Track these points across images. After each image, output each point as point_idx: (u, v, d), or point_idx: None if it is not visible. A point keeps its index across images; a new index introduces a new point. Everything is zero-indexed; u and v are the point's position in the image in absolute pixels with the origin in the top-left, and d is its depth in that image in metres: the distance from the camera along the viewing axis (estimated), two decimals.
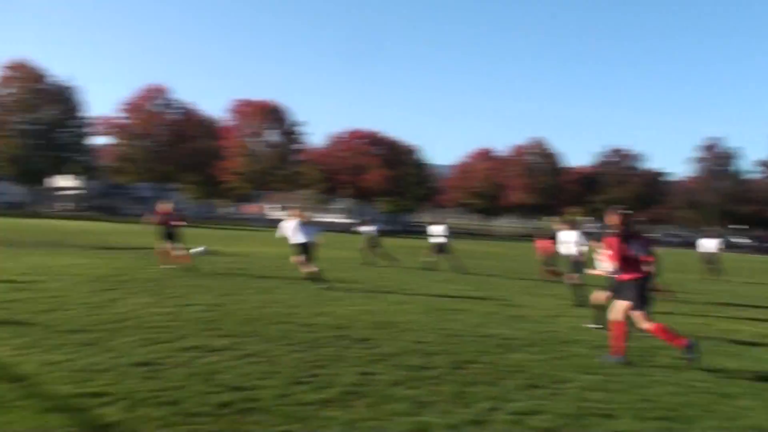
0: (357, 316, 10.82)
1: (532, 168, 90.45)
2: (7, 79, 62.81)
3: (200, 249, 20.43)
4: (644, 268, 8.26)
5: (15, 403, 5.34)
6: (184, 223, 18.21)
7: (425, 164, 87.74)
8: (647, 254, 8.34)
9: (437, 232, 22.37)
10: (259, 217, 73.30)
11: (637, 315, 8.09)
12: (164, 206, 17.86)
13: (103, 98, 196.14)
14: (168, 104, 69.81)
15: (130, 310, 10.10)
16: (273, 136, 71.54)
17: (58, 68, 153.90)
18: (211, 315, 10.12)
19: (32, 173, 62.97)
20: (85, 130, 67.29)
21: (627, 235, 8.22)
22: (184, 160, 67.97)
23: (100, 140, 71.84)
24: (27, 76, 62.43)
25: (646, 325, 8.05)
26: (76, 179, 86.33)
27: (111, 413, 5.25)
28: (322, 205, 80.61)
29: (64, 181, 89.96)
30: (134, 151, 67.42)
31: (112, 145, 69.43)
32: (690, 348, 8.01)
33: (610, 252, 8.28)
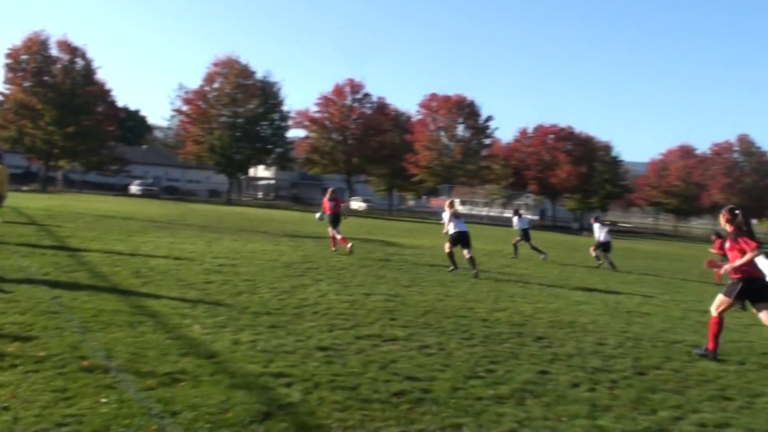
0: (535, 314, 10.67)
1: (736, 167, 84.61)
2: (214, 75, 67.27)
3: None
4: None
5: (206, 378, 5.74)
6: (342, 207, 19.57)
7: (617, 161, 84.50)
8: None
9: (600, 230, 21.71)
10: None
11: None
12: (331, 193, 19.04)
13: (299, 93, 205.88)
14: (361, 98, 71.85)
15: (315, 297, 10.53)
16: (461, 130, 71.76)
17: (258, 63, 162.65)
18: (390, 305, 10.33)
19: (234, 164, 67.08)
20: (283, 123, 70.72)
21: None
22: (374, 153, 69.75)
23: (295, 133, 75.17)
24: (233, 71, 66.58)
25: None
26: (269, 170, 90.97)
27: (292, 394, 5.51)
28: (509, 201, 79.87)
29: (259, 172, 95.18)
30: (326, 144, 70.02)
31: (306, 138, 72.37)
32: None
33: None
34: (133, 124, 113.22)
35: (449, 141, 70.92)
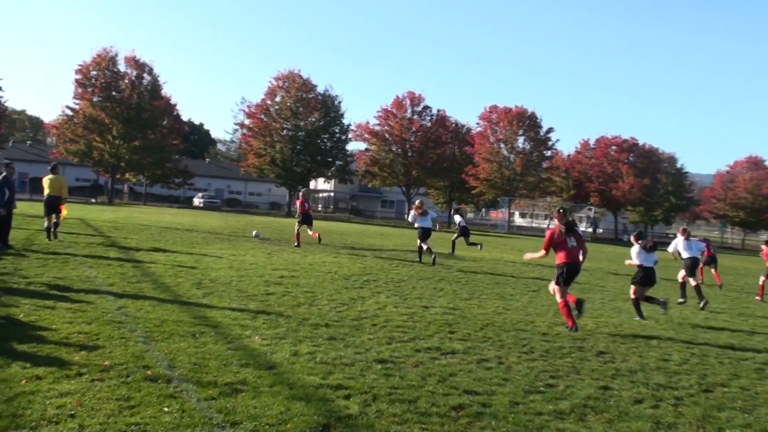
0: (597, 328, 10.50)
1: None
2: (276, 89, 68.21)
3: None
4: None
5: (266, 388, 5.79)
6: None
7: (682, 173, 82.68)
8: None
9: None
10: (504, 224, 73.15)
11: None
12: (303, 195, 22.66)
13: (359, 106, 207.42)
14: (421, 111, 71.94)
15: (374, 309, 10.55)
16: (522, 142, 71.23)
17: (319, 77, 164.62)
18: (449, 318, 10.29)
19: (294, 176, 67.79)
20: (343, 136, 71.25)
21: None
22: (433, 166, 69.74)
23: (355, 145, 75.55)
24: (294, 85, 67.45)
25: None
26: (329, 182, 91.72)
27: (350, 406, 5.52)
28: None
29: (319, 184, 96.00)
30: (386, 156, 70.26)
31: (366, 150, 72.73)
32: None
33: None
34: (196, 138, 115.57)
35: (509, 153, 70.37)
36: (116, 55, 62.17)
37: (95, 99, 60.83)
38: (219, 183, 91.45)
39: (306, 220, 22.20)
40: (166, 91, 65.77)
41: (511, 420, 5.52)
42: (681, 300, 15.30)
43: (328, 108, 68.83)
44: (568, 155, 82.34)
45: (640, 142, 79.44)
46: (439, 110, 73.17)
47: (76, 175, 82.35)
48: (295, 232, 22.17)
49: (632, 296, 12.13)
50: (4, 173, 16.08)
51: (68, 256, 14.14)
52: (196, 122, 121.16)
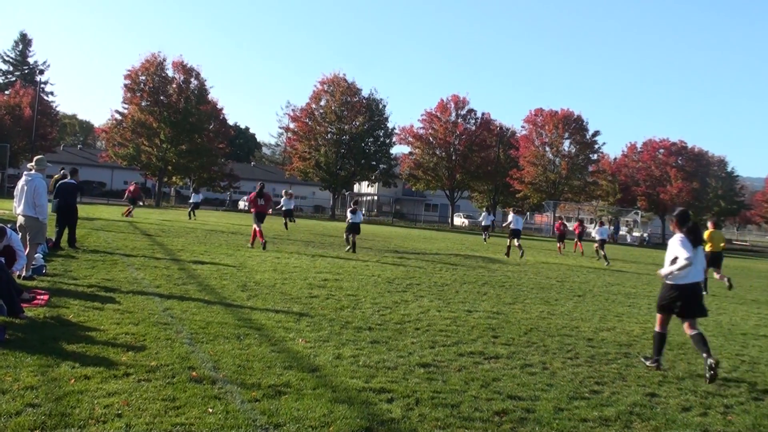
0: (643, 334, 10.34)
1: None
2: (321, 93, 68.63)
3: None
4: None
5: (309, 391, 5.81)
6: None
7: (733, 176, 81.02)
8: None
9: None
10: (549, 228, 72.40)
11: None
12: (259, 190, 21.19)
13: (404, 109, 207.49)
14: (465, 114, 71.68)
15: (417, 313, 10.54)
16: (567, 145, 70.48)
17: (364, 81, 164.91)
18: (492, 322, 10.23)
19: (338, 180, 68.10)
20: (387, 139, 71.35)
21: None
22: (477, 169, 69.43)
23: (399, 149, 75.54)
24: (339, 89, 67.78)
25: None
26: (372, 186, 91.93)
27: (393, 410, 5.51)
28: (616, 217, 77.77)
29: (363, 188, 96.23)
30: (430, 160, 70.14)
31: (410, 154, 72.68)
32: None
33: None
34: (242, 141, 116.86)
35: (555, 156, 69.70)
36: (164, 60, 63.14)
37: (143, 103, 61.81)
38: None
39: (260, 218, 20.78)
40: (212, 95, 66.69)
41: (555, 426, 5.46)
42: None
43: (373, 111, 69.00)
44: (615, 158, 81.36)
45: (689, 145, 78.09)
46: (483, 113, 72.76)
47: (124, 178, 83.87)
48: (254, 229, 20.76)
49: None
50: (61, 179, 16.58)
51: (116, 258, 14.39)
52: (242, 126, 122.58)
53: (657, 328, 8.11)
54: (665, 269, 8.03)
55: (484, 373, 6.98)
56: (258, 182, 22.51)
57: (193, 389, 5.57)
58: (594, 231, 25.22)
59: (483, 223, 28.39)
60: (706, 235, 18.47)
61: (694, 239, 8.00)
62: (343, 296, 11.60)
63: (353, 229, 22.22)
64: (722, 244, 19.39)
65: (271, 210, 22.27)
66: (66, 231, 16.05)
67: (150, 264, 13.94)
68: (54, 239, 15.49)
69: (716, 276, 19.37)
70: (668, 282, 8.01)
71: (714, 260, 18.53)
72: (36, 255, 11.54)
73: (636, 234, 70.59)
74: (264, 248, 19.43)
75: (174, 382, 5.73)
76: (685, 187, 71.41)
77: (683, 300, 7.85)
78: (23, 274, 10.42)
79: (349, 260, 18.35)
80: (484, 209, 29.48)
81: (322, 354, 7.20)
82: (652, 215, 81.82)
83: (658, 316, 8.14)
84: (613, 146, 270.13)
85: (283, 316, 9.25)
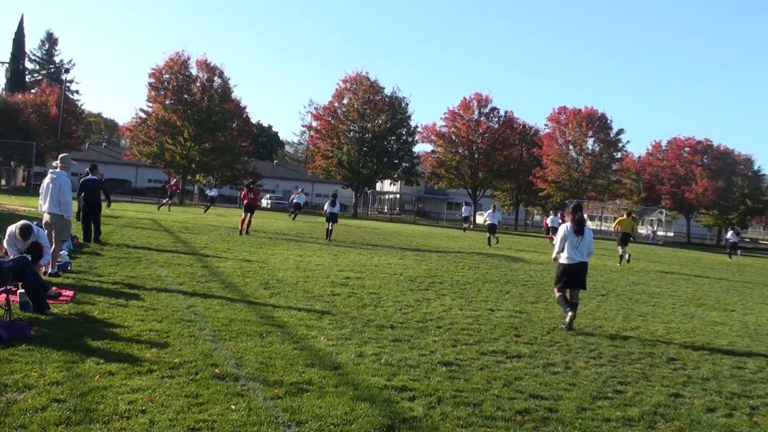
0: (667, 334, 10.25)
1: None
2: (344, 91, 68.72)
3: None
4: None
5: (331, 389, 5.83)
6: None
7: (760, 175, 79.94)
8: None
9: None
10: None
11: None
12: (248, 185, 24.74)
13: (426, 107, 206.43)
14: (488, 113, 71.40)
15: (439, 311, 10.53)
16: (591, 143, 69.98)
17: (387, 80, 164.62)
18: (515, 321, 10.20)
19: (361, 178, 68.14)
20: (410, 138, 71.25)
21: None
22: (500, 167, 69.13)
23: (421, 147, 75.37)
24: (362, 88, 67.79)
25: None
26: (395, 184, 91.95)
27: (415, 408, 5.51)
28: (641, 216, 77.23)
29: (385, 186, 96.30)
30: (452, 158, 69.95)
31: (432, 152, 72.53)
32: None
33: None
34: (265, 140, 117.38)
35: (578, 155, 69.25)
36: (188, 58, 63.55)
37: (167, 102, 62.27)
38: (286, 184, 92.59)
39: (249, 209, 24.10)
40: (236, 93, 66.93)
41: (578, 426, 5.43)
42: None
43: (395, 110, 68.92)
44: (639, 157, 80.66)
45: (715, 144, 77.23)
46: (506, 111, 72.40)
47: (148, 176, 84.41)
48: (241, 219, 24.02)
49: None
50: (85, 176, 16.83)
51: (140, 256, 14.51)
52: (265, 124, 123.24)
53: (557, 295, 10.46)
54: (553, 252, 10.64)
55: (507, 372, 6.96)
56: (248, 181, 27.08)
57: (215, 386, 5.60)
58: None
59: (487, 222, 28.71)
60: (617, 221, 25.44)
61: (577, 228, 10.24)
62: (365, 294, 11.61)
63: (331, 218, 25.23)
64: (631, 229, 24.95)
65: (259, 203, 25.81)
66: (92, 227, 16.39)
67: (173, 261, 14.04)
68: (82, 237, 15.80)
69: (620, 250, 24.35)
70: (561, 262, 10.34)
71: (624, 239, 24.40)
72: (61, 252, 11.65)
73: (660, 233, 70.04)
74: (240, 234, 22.90)
75: (197, 379, 5.77)
76: (710, 186, 70.60)
77: (568, 275, 10.21)
78: (49, 270, 10.54)
79: (371, 258, 18.36)
80: (491, 206, 29.85)
81: (344, 352, 7.22)
82: (677, 214, 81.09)
83: (555, 287, 10.54)
84: (637, 144, 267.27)
85: (306, 313, 9.28)
